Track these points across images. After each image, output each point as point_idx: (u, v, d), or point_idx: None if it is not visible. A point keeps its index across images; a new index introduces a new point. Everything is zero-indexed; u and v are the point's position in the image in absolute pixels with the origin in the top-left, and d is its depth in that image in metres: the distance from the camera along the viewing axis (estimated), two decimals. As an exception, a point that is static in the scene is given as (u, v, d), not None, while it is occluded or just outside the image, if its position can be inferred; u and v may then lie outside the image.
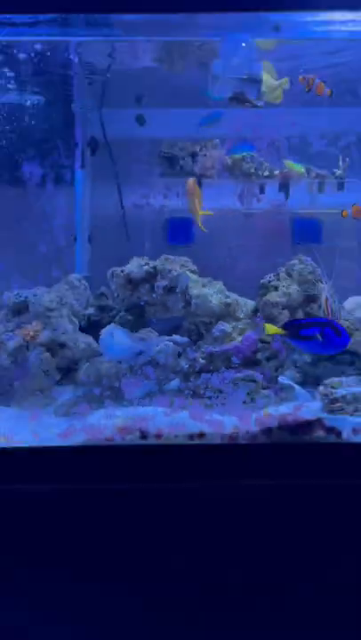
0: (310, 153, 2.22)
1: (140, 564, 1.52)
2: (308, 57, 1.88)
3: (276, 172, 2.16)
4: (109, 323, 1.97)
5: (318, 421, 1.58)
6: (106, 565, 1.52)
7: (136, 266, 1.94)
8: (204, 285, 1.89)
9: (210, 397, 1.67)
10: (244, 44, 1.49)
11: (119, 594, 1.52)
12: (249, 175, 2.17)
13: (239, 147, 2.02)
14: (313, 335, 1.54)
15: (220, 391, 1.68)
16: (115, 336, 1.73)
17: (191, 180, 1.82)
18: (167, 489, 1.52)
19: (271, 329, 1.64)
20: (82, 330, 1.91)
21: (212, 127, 2.16)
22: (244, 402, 1.67)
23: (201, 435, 1.57)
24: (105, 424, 1.59)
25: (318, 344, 1.56)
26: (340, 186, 2.18)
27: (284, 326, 1.62)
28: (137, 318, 1.96)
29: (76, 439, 1.56)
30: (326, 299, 1.69)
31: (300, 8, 1.31)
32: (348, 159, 2.18)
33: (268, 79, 1.58)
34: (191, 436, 1.57)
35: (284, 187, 2.18)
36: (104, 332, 1.78)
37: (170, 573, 1.53)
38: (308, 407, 1.66)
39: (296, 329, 1.58)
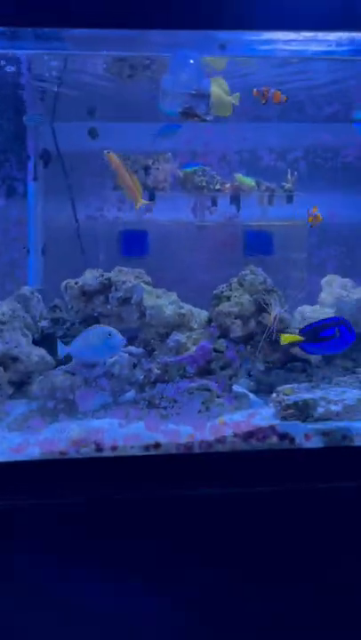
0: (260, 167, 2.29)
1: (98, 577, 1.51)
2: (256, 75, 1.95)
3: (228, 186, 2.21)
4: (63, 335, 1.96)
5: (272, 428, 1.61)
6: (60, 580, 1.49)
7: (90, 278, 1.94)
8: (158, 296, 1.91)
9: (165, 407, 1.68)
10: (192, 61, 1.53)
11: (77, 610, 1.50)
12: (201, 188, 2.21)
13: (190, 164, 2.06)
14: (333, 335, 1.59)
15: (175, 401, 1.69)
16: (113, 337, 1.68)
17: (107, 152, 1.82)
18: (124, 500, 1.52)
19: (287, 338, 1.67)
20: (35, 343, 1.89)
21: (164, 141, 2.19)
22: (199, 411, 1.68)
23: (157, 445, 1.58)
24: (59, 437, 1.57)
25: (334, 343, 1.60)
26: (289, 199, 2.24)
27: (302, 332, 1.65)
28: (91, 330, 1.96)
29: (30, 453, 1.53)
30: (276, 315, 1.75)
31: (243, 28, 1.36)
32: (296, 173, 2.25)
33: (218, 93, 1.62)
34: (147, 447, 1.57)
35: (236, 199, 2.23)
36: (98, 331, 1.71)
37: (130, 584, 1.52)
38: (261, 414, 1.69)
39: (315, 332, 1.62)
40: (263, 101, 1.74)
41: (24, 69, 2.08)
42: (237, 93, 1.70)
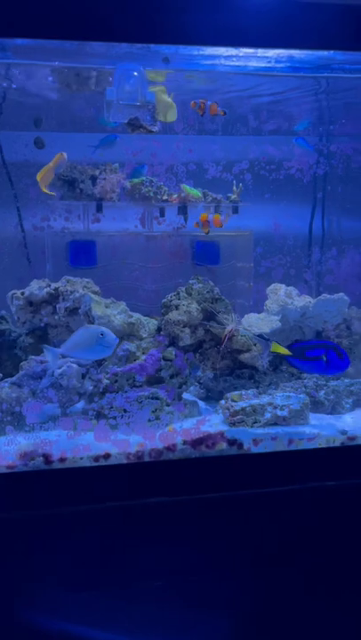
0: (206, 179, 2.33)
1: (49, 591, 1.48)
2: (202, 90, 1.99)
3: (175, 196, 2.24)
4: (10, 346, 1.92)
5: (221, 434, 1.64)
6: (16, 592, 1.46)
7: (37, 288, 1.92)
8: (107, 306, 1.91)
9: (115, 417, 1.67)
10: (136, 73, 1.55)
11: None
12: (148, 199, 2.23)
13: (137, 169, 2.07)
14: (318, 356, 1.61)
15: (125, 410, 1.68)
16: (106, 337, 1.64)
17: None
18: (74, 512, 1.50)
19: (278, 348, 1.68)
20: (-20, 355, 1.85)
21: (111, 152, 2.20)
22: (149, 420, 1.68)
23: (107, 455, 1.57)
24: (6, 450, 1.54)
25: (322, 365, 1.63)
26: (235, 209, 2.29)
27: (291, 347, 1.67)
28: (39, 341, 1.93)
29: (-24, 468, 1.49)
30: (231, 330, 1.78)
31: (184, 42, 1.40)
32: (241, 185, 2.30)
33: (161, 97, 1.64)
34: (97, 458, 1.56)
35: (183, 210, 2.26)
36: (90, 332, 1.65)
37: (82, 596, 1.50)
38: (210, 421, 1.71)
39: (302, 350, 1.64)
40: (200, 113, 1.78)
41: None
42: (172, 93, 1.72)
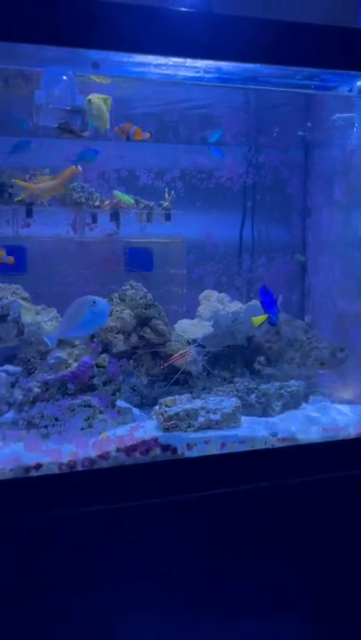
0: (138, 186, 2.34)
1: None
2: (132, 97, 2.01)
3: (107, 202, 2.23)
4: None
5: (154, 440, 1.64)
6: None
7: None
8: (37, 313, 1.87)
9: (46, 427, 1.63)
10: (65, 77, 1.53)
11: None
12: (80, 204, 2.21)
13: (86, 152, 2.05)
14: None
15: (57, 419, 1.65)
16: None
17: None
18: (6, 526, 1.45)
19: (258, 320, 1.70)
20: None
21: (38, 155, 2.16)
22: (82, 428, 1.66)
23: (38, 466, 1.53)
24: None
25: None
26: (167, 217, 2.31)
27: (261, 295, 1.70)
28: (-35, 350, 1.86)
29: None
30: (186, 352, 1.80)
31: (112, 49, 1.41)
32: (173, 192, 2.33)
33: (98, 104, 1.64)
34: (27, 469, 1.52)
35: (115, 216, 2.25)
36: (80, 303, 1.62)
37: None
38: (144, 427, 1.71)
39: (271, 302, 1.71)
40: (124, 137, 1.79)
41: None
42: (110, 96, 1.73)
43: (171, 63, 1.53)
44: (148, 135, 1.77)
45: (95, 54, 1.49)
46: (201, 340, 1.96)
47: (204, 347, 1.75)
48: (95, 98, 1.69)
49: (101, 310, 1.61)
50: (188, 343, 1.77)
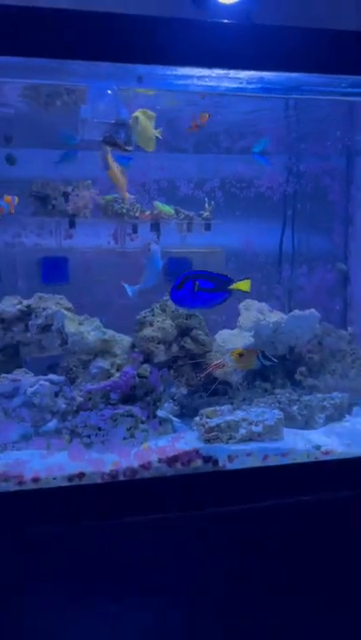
0: (178, 196, 2.35)
1: (22, 613, 1.44)
2: (178, 109, 2.02)
3: (147, 213, 2.25)
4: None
5: (196, 452, 1.63)
6: None
7: (8, 305, 1.89)
8: (80, 323, 1.89)
9: (89, 436, 1.65)
10: (110, 91, 1.56)
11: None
12: (121, 215, 2.23)
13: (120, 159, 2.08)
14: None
15: (99, 429, 1.66)
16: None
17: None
18: (48, 533, 1.46)
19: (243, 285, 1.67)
20: None
21: (80, 167, 2.20)
22: (124, 438, 1.67)
23: (81, 475, 1.54)
24: (-23, 472, 1.50)
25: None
26: (207, 226, 2.31)
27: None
28: (10, 358, 1.90)
29: None
30: (220, 363, 1.80)
31: (157, 63, 1.42)
32: (213, 202, 2.33)
33: (145, 125, 1.65)
34: (70, 478, 1.54)
35: (156, 227, 2.27)
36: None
37: (54, 619, 1.46)
38: (185, 438, 1.71)
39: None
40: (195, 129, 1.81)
41: None
42: (160, 128, 1.75)
43: (214, 75, 1.53)
44: (207, 115, 1.79)
45: (140, 68, 1.51)
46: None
47: (271, 359, 1.73)
48: (142, 115, 1.69)
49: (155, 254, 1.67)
50: (263, 357, 1.74)
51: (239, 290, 1.65)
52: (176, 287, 1.59)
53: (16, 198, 1.94)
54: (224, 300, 1.65)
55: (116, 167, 1.98)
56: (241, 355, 1.70)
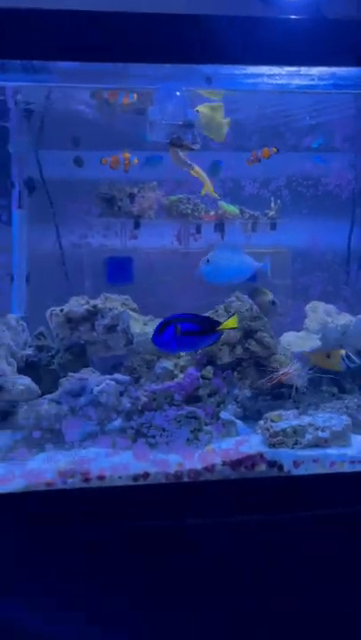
0: (243, 195, 2.32)
1: (84, 612, 1.47)
2: (243, 108, 2.00)
3: (212, 213, 2.24)
4: (48, 363, 1.94)
5: (260, 456, 1.61)
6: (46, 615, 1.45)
7: (76, 305, 1.93)
8: (145, 323, 1.91)
9: (153, 436, 1.66)
10: (178, 93, 1.56)
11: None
12: (185, 216, 2.23)
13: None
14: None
15: (164, 429, 1.67)
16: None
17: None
18: (112, 532, 1.48)
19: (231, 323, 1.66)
20: (20, 371, 1.86)
21: (149, 169, 2.22)
22: (188, 439, 1.66)
23: (145, 475, 1.55)
24: (45, 468, 1.54)
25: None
26: (273, 226, 2.28)
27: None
28: (77, 358, 1.94)
29: (16, 485, 1.50)
30: (288, 371, 1.77)
31: (228, 62, 1.41)
32: (279, 201, 2.29)
33: (215, 115, 1.64)
34: (135, 477, 1.55)
35: (220, 227, 2.25)
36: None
37: (110, 617, 1.48)
38: (249, 442, 1.69)
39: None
40: (255, 162, 1.80)
41: (10, 99, 2.10)
42: (228, 119, 1.73)
43: (284, 72, 1.50)
44: (275, 150, 1.77)
45: (207, 69, 1.50)
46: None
47: (355, 360, 1.69)
48: (204, 108, 1.69)
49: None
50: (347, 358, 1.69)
51: (229, 328, 1.65)
52: (157, 332, 1.58)
53: (135, 159, 1.94)
54: (214, 342, 1.65)
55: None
56: (327, 356, 1.66)
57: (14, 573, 1.44)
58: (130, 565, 1.50)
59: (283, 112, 2.07)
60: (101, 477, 1.54)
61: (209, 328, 1.60)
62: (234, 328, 1.65)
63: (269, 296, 2.03)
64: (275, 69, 1.48)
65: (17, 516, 1.47)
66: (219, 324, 1.61)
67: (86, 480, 1.53)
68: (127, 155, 1.88)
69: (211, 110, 1.68)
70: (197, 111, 1.72)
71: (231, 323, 1.63)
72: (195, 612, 1.51)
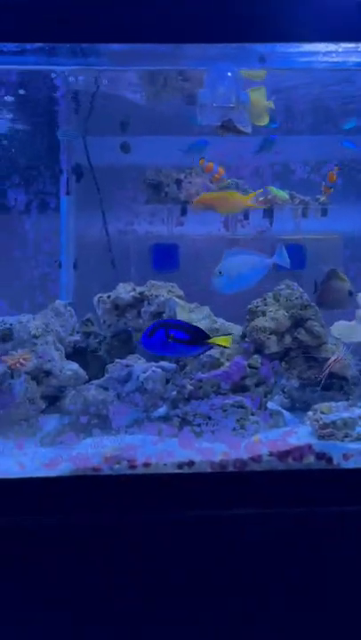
0: (293, 180, 2.26)
1: (127, 599, 1.47)
2: (294, 87, 1.93)
3: (261, 199, 2.19)
4: (95, 349, 1.95)
5: (308, 447, 1.57)
6: (91, 601, 1.47)
7: (123, 292, 1.93)
8: (191, 311, 1.89)
9: (199, 424, 1.65)
10: (229, 74, 1.52)
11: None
12: (233, 201, 2.19)
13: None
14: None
15: (210, 418, 1.65)
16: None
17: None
18: (156, 519, 1.49)
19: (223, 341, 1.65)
20: (67, 357, 1.88)
21: (196, 154, 2.18)
22: (234, 429, 1.64)
23: (190, 463, 1.54)
24: (92, 453, 1.55)
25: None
26: (324, 212, 2.21)
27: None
28: (123, 344, 1.95)
29: (63, 469, 1.51)
30: (337, 358, 1.72)
31: (284, 40, 1.35)
32: (330, 186, 2.22)
33: (258, 99, 1.59)
34: (180, 465, 1.54)
35: (269, 212, 2.20)
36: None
37: (157, 606, 1.48)
38: (297, 433, 1.65)
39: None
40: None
41: (59, 84, 2.09)
42: (272, 99, 1.67)
43: (341, 50, 1.43)
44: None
45: (261, 48, 1.45)
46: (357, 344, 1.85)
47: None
48: (251, 92, 1.64)
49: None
50: None
51: (219, 345, 1.63)
52: (147, 334, 1.58)
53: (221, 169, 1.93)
54: (203, 352, 1.65)
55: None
56: None
57: (59, 557, 1.46)
58: (174, 553, 1.50)
59: (337, 92, 1.99)
60: (147, 464, 1.54)
61: (198, 339, 1.61)
62: (225, 347, 1.66)
63: (347, 284, 1.92)
64: (331, 46, 1.42)
65: (64, 501, 1.49)
66: (209, 337, 1.62)
67: (132, 467, 1.53)
68: (222, 170, 1.87)
69: (253, 94, 1.63)
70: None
71: (223, 341, 1.64)
72: (242, 600, 1.50)
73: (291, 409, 1.86)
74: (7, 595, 1.45)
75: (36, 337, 1.77)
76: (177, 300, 1.88)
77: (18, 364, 1.69)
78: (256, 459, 1.55)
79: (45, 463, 1.53)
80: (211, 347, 1.65)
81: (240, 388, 1.74)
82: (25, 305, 2.02)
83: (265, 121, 1.67)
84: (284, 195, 2.17)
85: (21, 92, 1.94)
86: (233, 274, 1.75)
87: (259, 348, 1.82)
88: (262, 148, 2.01)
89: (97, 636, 1.48)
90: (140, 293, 1.92)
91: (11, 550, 1.45)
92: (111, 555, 1.48)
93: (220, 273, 1.70)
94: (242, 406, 1.67)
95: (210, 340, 1.61)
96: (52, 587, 1.45)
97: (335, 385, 1.83)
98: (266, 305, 1.86)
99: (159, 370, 1.75)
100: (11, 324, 1.78)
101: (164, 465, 1.54)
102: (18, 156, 2.22)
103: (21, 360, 1.69)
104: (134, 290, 1.93)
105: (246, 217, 2.28)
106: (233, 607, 1.50)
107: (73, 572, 1.46)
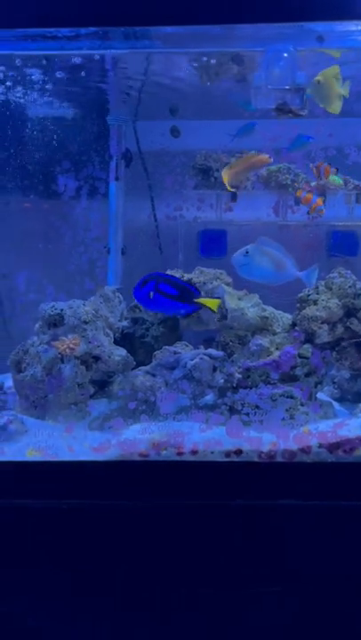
0: (347, 164, 2.18)
1: (172, 582, 1.49)
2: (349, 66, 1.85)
3: (313, 184, 2.13)
4: (143, 335, 1.95)
5: (359, 440, 1.53)
6: (136, 583, 1.49)
7: (171, 278, 1.92)
8: (240, 298, 1.87)
9: (247, 414, 1.63)
10: (286, 55, 1.47)
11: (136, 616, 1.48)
12: (285, 187, 2.14)
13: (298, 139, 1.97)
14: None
15: (258, 407, 1.64)
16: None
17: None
18: (203, 506, 1.49)
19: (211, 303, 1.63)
20: (116, 342, 1.89)
21: (246, 138, 2.13)
22: (283, 419, 1.62)
23: (238, 452, 1.53)
24: (140, 439, 1.56)
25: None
26: (379, 198, 2.13)
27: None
28: (170, 331, 1.95)
29: (111, 454, 1.53)
30: None
31: (343, 18, 1.29)
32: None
33: (332, 83, 1.51)
34: (228, 453, 1.53)
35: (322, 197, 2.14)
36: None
37: (199, 591, 1.49)
38: (348, 425, 1.61)
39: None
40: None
41: (109, 69, 2.08)
42: (348, 81, 1.59)
43: None
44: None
45: (319, 27, 1.39)
46: None
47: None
48: (324, 78, 1.56)
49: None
50: None
51: (206, 306, 1.60)
52: (139, 285, 1.56)
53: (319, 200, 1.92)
54: (190, 312, 1.61)
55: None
56: None
57: (107, 540, 1.48)
58: (218, 541, 1.50)
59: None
60: (194, 452, 1.53)
61: (187, 296, 1.59)
62: (212, 310, 1.64)
63: None
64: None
65: (112, 486, 1.51)
66: (198, 295, 1.58)
67: (180, 454, 1.53)
68: (321, 201, 1.84)
69: (329, 80, 1.55)
70: (318, 82, 1.59)
71: (211, 303, 1.62)
72: (283, 591, 1.49)
73: (340, 400, 1.82)
74: (51, 577, 1.48)
75: (85, 322, 1.78)
76: (225, 287, 1.86)
77: (68, 349, 1.71)
78: (306, 450, 1.53)
79: (94, 447, 1.55)
80: (199, 307, 1.61)
81: (289, 378, 1.72)
82: (74, 290, 2.05)
83: (337, 110, 1.59)
84: (337, 180, 2.10)
85: (72, 76, 1.94)
86: (257, 261, 1.71)
87: (309, 338, 1.79)
88: (241, 132, 1.94)
89: (146, 623, 1.49)
90: (189, 280, 1.91)
91: (60, 531, 1.48)
92: (153, 539, 1.49)
93: (247, 252, 1.65)
94: (291, 396, 1.65)
95: (197, 300, 1.58)
96: (97, 573, 1.47)
97: (388, 377, 1.78)
98: (318, 293, 1.81)
99: (207, 357, 1.74)
100: (61, 310, 1.80)
101: (212, 453, 1.53)
102: (68, 142, 2.23)
103: (71, 345, 1.71)
104: (183, 276, 1.92)
105: (298, 202, 2.23)
106: (274, 598, 1.49)
107: (117, 556, 1.48)
